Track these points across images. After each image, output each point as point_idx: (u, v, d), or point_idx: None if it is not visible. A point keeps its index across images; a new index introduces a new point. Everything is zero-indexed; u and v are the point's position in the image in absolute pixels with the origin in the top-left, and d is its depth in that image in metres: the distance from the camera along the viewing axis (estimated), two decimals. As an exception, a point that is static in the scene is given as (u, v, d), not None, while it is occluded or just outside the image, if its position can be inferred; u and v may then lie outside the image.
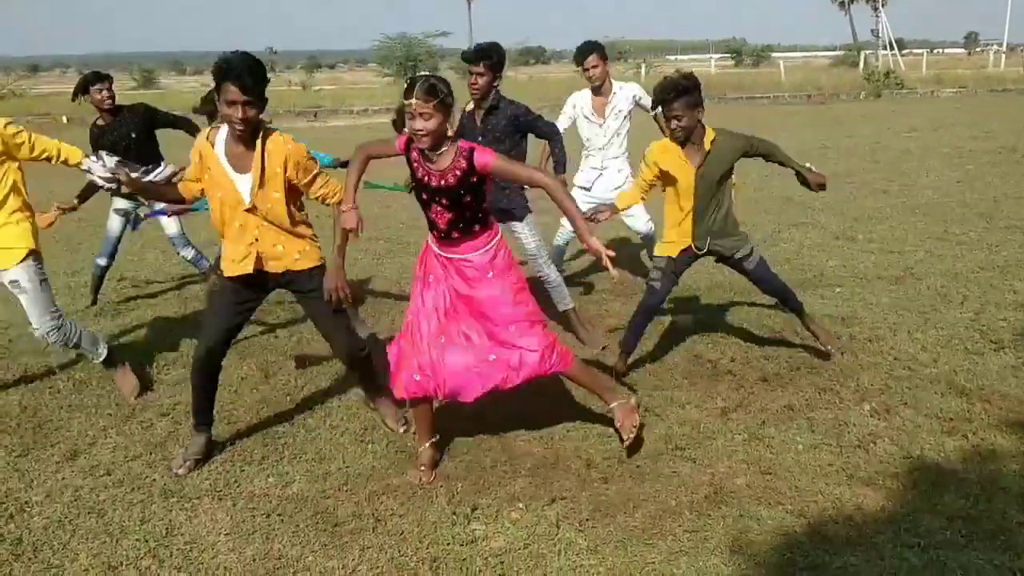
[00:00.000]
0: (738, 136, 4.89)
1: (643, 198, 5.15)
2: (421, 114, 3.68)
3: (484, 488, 4.01)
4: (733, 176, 4.96)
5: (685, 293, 6.74)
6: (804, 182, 5.02)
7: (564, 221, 6.67)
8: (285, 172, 4.02)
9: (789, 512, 3.69)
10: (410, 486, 4.04)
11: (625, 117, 6.59)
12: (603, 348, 5.78)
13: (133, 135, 6.74)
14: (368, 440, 4.52)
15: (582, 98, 6.64)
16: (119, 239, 7.03)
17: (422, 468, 4.15)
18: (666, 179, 4.89)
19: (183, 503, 3.93)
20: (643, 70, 40.92)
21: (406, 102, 3.70)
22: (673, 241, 5.02)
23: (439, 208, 3.91)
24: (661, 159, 4.85)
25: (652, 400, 4.88)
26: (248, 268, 4.11)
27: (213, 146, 4.03)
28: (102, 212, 7.06)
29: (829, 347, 5.28)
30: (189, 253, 7.20)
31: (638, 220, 6.77)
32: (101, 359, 5.11)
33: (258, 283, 4.24)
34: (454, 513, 3.79)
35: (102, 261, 7.09)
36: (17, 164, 4.75)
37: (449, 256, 4.01)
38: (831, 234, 8.86)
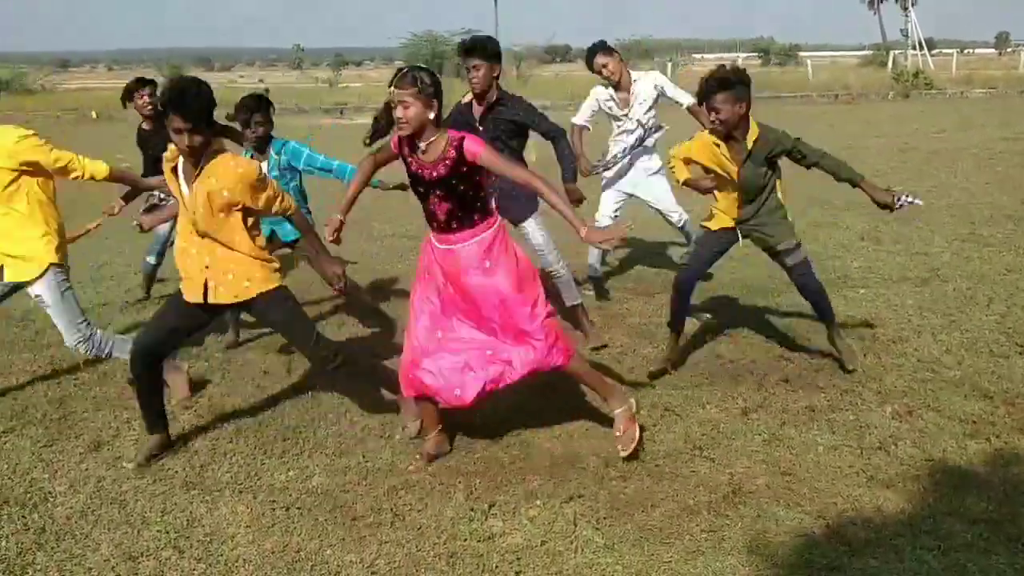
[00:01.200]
0: (784, 137, 4.82)
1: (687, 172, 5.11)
2: (401, 102, 3.76)
3: (502, 485, 4.02)
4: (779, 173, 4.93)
5: (707, 292, 6.72)
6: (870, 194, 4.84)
7: (598, 216, 6.63)
8: (234, 195, 4.03)
9: (808, 513, 3.67)
10: (429, 480, 4.05)
11: (651, 107, 6.52)
12: (602, 347, 5.75)
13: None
14: (388, 435, 4.54)
15: (604, 94, 6.60)
16: (168, 239, 6.88)
17: (429, 455, 4.23)
18: (709, 172, 4.92)
19: (204, 495, 3.96)
20: (669, 69, 40.77)
21: (388, 91, 3.79)
22: (716, 216, 5.04)
23: (435, 199, 3.95)
24: (698, 154, 4.85)
25: (672, 399, 4.86)
26: (197, 297, 4.17)
27: (177, 166, 4.13)
28: (131, 208, 7.12)
29: (850, 366, 5.14)
30: (152, 260, 7.09)
31: (670, 213, 6.70)
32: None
33: (209, 308, 4.25)
34: (472, 509, 3.80)
35: (151, 259, 7.07)
36: (41, 178, 4.72)
37: (446, 247, 4.02)
38: (856, 235, 8.80)
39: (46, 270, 4.69)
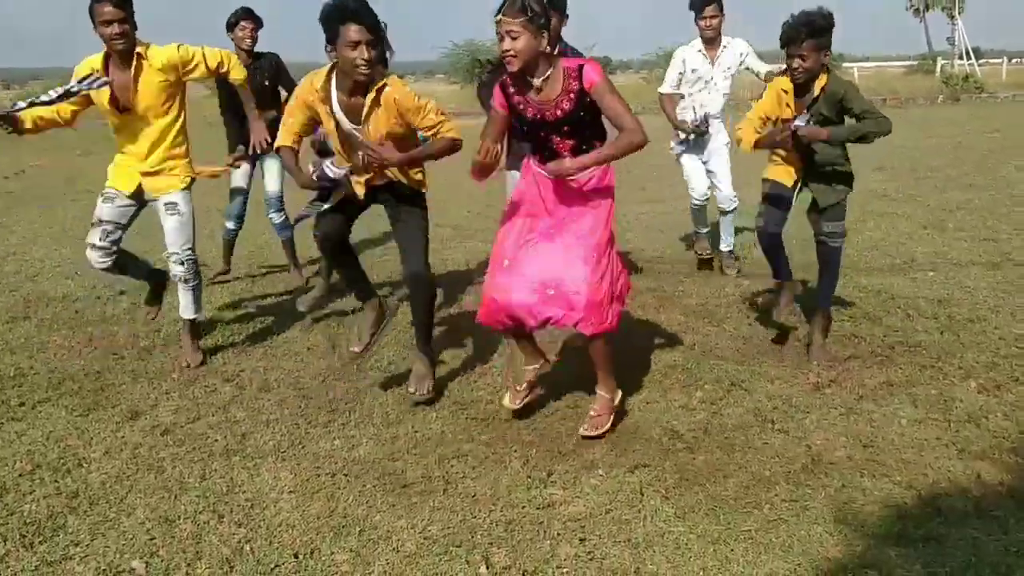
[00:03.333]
0: (852, 89, 4.49)
1: (757, 132, 4.60)
2: (508, 32, 3.45)
3: (559, 455, 3.76)
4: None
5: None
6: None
7: (694, 193, 6.62)
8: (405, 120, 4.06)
9: (897, 484, 3.37)
10: (482, 450, 3.80)
11: (732, 75, 6.39)
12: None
13: (266, 83, 6.53)
14: (437, 406, 4.30)
15: (692, 52, 6.43)
16: (246, 201, 6.77)
17: (518, 388, 4.03)
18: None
19: (245, 462, 3.74)
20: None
21: (494, 19, 3.48)
22: (773, 165, 4.76)
23: (559, 138, 3.67)
24: (768, 106, 4.58)
25: (739, 374, 4.58)
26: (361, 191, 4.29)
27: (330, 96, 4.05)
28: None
29: (814, 360, 4.68)
30: (279, 218, 6.85)
31: (724, 191, 6.56)
32: (192, 318, 5.01)
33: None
34: (529, 477, 3.55)
35: (232, 224, 6.83)
36: (184, 98, 4.82)
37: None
38: (918, 223, 8.43)
39: (190, 184, 4.86)
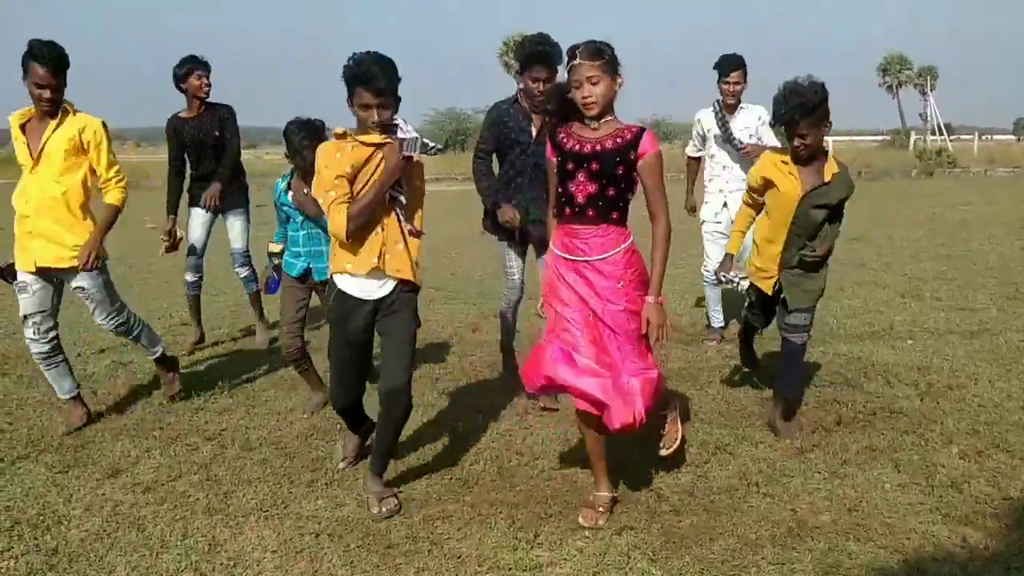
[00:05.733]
0: (852, 188, 4.50)
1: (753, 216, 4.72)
2: (588, 78, 3.37)
3: (546, 516, 3.74)
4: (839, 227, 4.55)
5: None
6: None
7: (709, 255, 6.52)
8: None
9: (883, 548, 3.38)
10: (467, 511, 3.77)
11: (751, 135, 6.30)
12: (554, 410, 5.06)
13: (216, 133, 6.45)
14: (422, 467, 4.28)
15: (707, 113, 6.45)
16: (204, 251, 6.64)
17: (599, 509, 3.72)
18: (767, 192, 4.54)
19: (227, 521, 3.70)
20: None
21: (570, 65, 3.41)
22: (760, 268, 4.66)
23: (583, 176, 3.48)
24: (769, 170, 4.49)
25: (723, 437, 4.59)
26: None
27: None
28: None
29: (784, 438, 4.56)
30: (244, 272, 6.76)
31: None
32: (156, 356, 5.15)
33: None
34: (515, 539, 3.53)
35: (191, 277, 6.60)
36: (89, 166, 4.69)
37: (576, 259, 3.56)
38: (896, 292, 8.53)
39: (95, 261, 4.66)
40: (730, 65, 6.22)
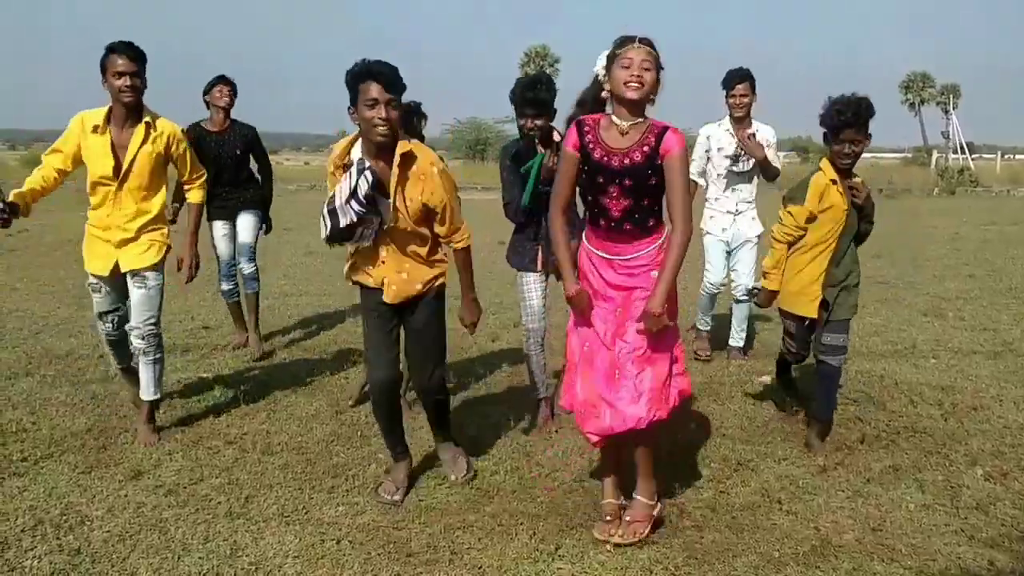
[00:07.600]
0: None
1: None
2: (642, 61, 3.33)
3: (567, 529, 3.73)
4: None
5: (774, 350, 6.42)
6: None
7: (709, 275, 6.47)
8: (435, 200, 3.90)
9: (908, 569, 3.35)
10: (488, 522, 3.77)
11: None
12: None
13: (238, 151, 6.56)
14: (443, 477, 4.27)
15: (716, 129, 6.30)
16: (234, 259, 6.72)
17: (607, 519, 3.72)
18: (810, 221, 4.51)
19: (249, 525, 3.71)
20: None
21: (622, 49, 3.35)
22: (800, 294, 4.58)
23: (616, 192, 3.44)
24: (824, 189, 4.43)
25: (745, 454, 4.56)
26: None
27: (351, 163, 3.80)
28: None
29: (815, 459, 4.50)
30: (249, 268, 6.73)
31: (741, 282, 6.37)
32: (153, 397, 4.82)
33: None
34: (536, 550, 3.51)
35: (227, 285, 6.76)
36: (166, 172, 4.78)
37: (611, 257, 3.55)
38: (918, 311, 8.48)
39: (162, 261, 4.75)
40: (735, 78, 6.14)
